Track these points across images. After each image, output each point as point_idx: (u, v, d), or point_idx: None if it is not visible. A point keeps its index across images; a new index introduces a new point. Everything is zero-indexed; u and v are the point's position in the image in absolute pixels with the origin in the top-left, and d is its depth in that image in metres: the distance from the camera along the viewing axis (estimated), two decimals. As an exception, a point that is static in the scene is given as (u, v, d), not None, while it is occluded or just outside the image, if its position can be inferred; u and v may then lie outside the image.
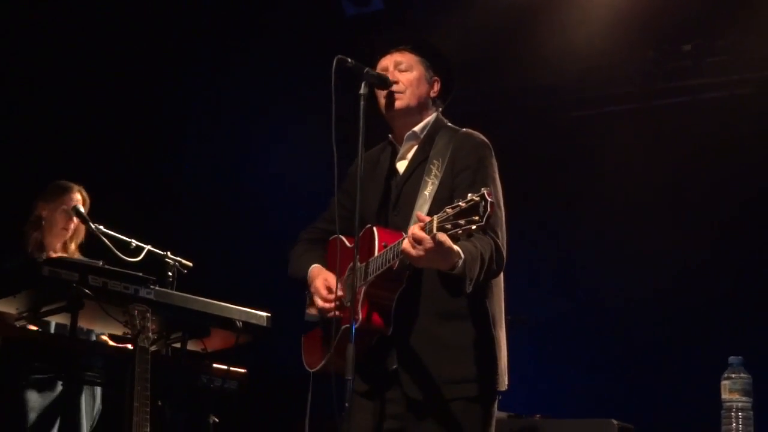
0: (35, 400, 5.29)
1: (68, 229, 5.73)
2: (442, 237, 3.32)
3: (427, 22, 7.38)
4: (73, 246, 5.80)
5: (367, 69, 3.83)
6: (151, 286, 4.70)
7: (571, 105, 7.96)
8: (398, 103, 3.91)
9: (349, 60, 3.78)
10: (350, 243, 3.83)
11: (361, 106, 3.76)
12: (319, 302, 3.84)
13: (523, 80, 7.99)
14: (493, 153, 3.87)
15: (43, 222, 5.70)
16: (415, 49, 4.00)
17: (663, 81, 7.66)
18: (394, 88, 3.91)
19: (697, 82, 7.54)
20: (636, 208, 7.43)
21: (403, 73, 3.95)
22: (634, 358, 7.20)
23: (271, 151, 8.17)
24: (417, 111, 3.95)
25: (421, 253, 3.35)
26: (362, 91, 3.78)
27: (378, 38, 4.11)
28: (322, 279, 3.87)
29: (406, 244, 3.40)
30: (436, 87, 4.02)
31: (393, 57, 3.98)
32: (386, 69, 3.96)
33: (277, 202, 7.96)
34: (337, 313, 3.78)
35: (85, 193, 5.80)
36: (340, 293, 3.78)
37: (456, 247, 3.39)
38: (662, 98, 7.67)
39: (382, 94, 3.94)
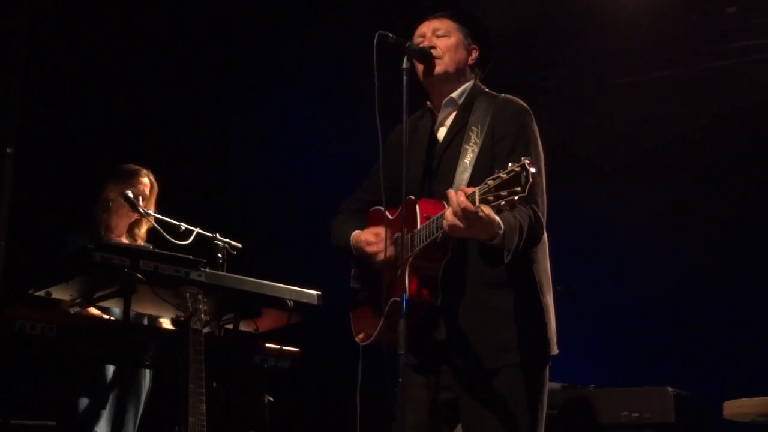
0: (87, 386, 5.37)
1: (134, 213, 5.80)
2: (486, 210, 3.29)
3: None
4: (141, 231, 5.90)
5: (408, 43, 3.82)
6: (202, 269, 4.72)
7: (615, 72, 7.88)
8: (437, 69, 3.89)
9: (390, 35, 3.76)
10: (391, 215, 3.83)
11: (404, 81, 3.73)
12: (370, 248, 3.82)
13: (567, 49, 7.92)
14: (533, 118, 3.83)
15: (111, 204, 5.79)
16: (453, 16, 3.98)
17: (708, 44, 7.55)
18: (433, 52, 3.89)
19: (743, 44, 7.42)
20: (685, 173, 7.35)
21: (441, 38, 3.93)
22: (688, 325, 7.13)
23: (316, 128, 8.17)
24: (455, 77, 3.94)
25: (463, 225, 3.33)
26: (405, 65, 3.75)
27: (419, 7, 4.09)
28: (368, 231, 3.86)
29: (448, 216, 3.37)
30: (474, 54, 4.00)
31: (431, 23, 3.96)
32: (424, 35, 3.95)
33: (323, 180, 7.96)
34: (389, 252, 3.73)
35: (152, 177, 5.92)
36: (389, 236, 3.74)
37: (497, 219, 3.37)
38: (708, 62, 7.56)
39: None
